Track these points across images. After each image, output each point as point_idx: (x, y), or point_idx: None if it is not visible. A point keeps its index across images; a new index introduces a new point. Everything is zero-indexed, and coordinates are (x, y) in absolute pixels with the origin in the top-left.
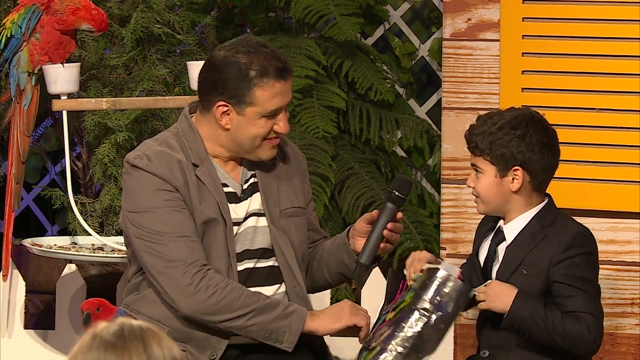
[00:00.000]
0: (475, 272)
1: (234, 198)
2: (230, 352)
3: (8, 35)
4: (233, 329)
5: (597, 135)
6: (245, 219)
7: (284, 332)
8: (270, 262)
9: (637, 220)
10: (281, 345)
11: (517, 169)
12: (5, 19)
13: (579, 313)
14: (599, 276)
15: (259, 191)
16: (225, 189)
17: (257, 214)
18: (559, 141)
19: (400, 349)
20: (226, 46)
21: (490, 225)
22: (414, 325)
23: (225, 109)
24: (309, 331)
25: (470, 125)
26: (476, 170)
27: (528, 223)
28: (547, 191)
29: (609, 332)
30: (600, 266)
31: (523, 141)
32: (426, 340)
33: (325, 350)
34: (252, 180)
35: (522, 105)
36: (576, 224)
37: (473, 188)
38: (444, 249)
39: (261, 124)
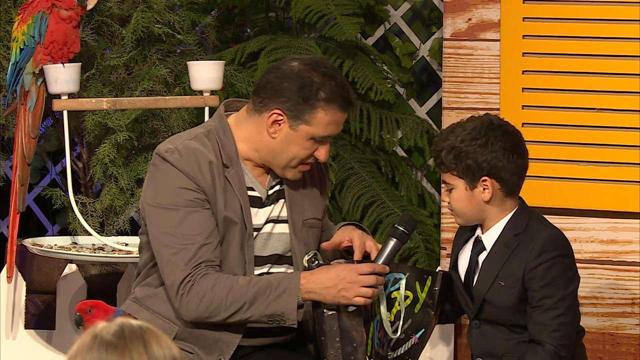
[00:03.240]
0: (455, 285)
1: (258, 203)
2: (239, 351)
3: (21, 47)
4: (240, 322)
5: (597, 135)
6: (265, 224)
7: (281, 313)
8: (282, 269)
9: (637, 220)
10: (285, 325)
11: (486, 179)
12: (15, 32)
13: (539, 340)
14: (599, 276)
15: (283, 198)
16: (251, 193)
17: (276, 221)
18: (560, 141)
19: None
20: (303, 60)
21: (466, 235)
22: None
23: (280, 118)
24: (308, 300)
25: (434, 141)
26: (447, 186)
27: (502, 232)
28: (547, 191)
29: (609, 332)
30: (600, 266)
31: (486, 150)
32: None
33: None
34: (277, 187)
35: (523, 106)
36: (547, 227)
37: (448, 203)
38: (444, 248)
39: (307, 146)
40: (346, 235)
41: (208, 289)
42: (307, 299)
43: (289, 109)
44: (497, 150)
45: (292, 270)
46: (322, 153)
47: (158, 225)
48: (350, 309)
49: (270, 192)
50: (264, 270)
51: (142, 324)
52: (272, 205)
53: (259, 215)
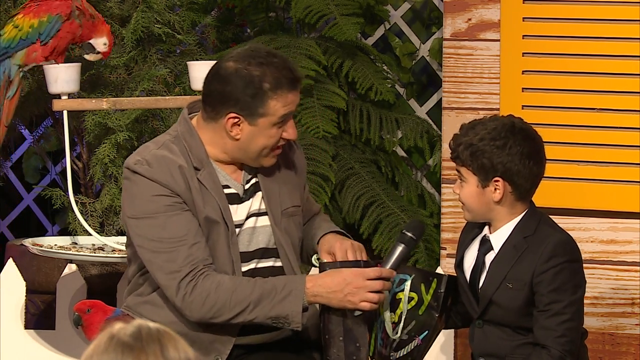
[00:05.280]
0: (460, 284)
1: (236, 199)
2: (235, 351)
3: (22, 37)
4: (243, 323)
5: (597, 135)
6: (246, 219)
7: (285, 315)
8: (270, 263)
9: (637, 220)
10: (290, 327)
11: (498, 180)
12: (20, 19)
13: (545, 344)
14: (599, 276)
15: (260, 191)
16: (227, 191)
17: (257, 214)
18: (560, 141)
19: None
20: (235, 57)
21: (473, 233)
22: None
23: (237, 120)
24: (314, 303)
25: (454, 134)
26: (460, 179)
27: (511, 233)
28: (547, 191)
29: (609, 332)
30: (600, 266)
31: (503, 152)
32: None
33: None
34: (253, 181)
35: (522, 106)
36: (557, 232)
37: (459, 194)
38: (444, 248)
39: (272, 133)
40: (328, 249)
41: (212, 289)
42: (312, 302)
43: (241, 109)
44: (514, 154)
45: (279, 264)
46: (290, 132)
47: (142, 235)
48: (357, 313)
49: (247, 186)
50: (251, 266)
51: (160, 326)
52: (251, 200)
53: (239, 212)
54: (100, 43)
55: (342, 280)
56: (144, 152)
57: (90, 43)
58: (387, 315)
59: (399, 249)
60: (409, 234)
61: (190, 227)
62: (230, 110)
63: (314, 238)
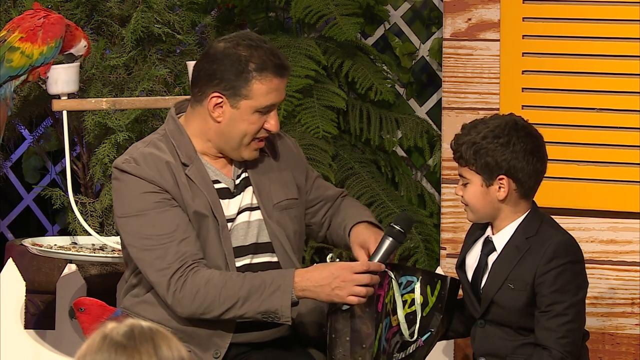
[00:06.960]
0: (462, 285)
1: (227, 194)
2: (234, 349)
3: (32, 64)
4: (234, 319)
5: (597, 135)
6: (238, 214)
7: (275, 310)
8: (266, 258)
9: (637, 220)
10: (279, 322)
11: (502, 178)
12: (29, 49)
13: (546, 345)
14: (598, 276)
15: (251, 185)
16: (218, 186)
17: (250, 209)
18: (560, 141)
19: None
20: (226, 39)
21: (476, 235)
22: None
23: (220, 100)
24: (303, 298)
25: (455, 135)
26: (463, 180)
27: (513, 234)
28: (547, 191)
29: (609, 332)
30: (600, 266)
31: (506, 149)
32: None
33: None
34: (243, 175)
35: (522, 106)
36: (559, 233)
37: (462, 196)
38: (444, 249)
39: (253, 120)
40: (362, 242)
41: (201, 285)
42: (301, 297)
43: (224, 88)
44: (518, 151)
45: (276, 259)
46: (271, 124)
47: (132, 234)
48: (344, 307)
49: (237, 181)
50: (246, 261)
51: (152, 325)
52: (242, 194)
53: (230, 206)
54: (81, 47)
55: (330, 274)
56: (132, 151)
57: (71, 52)
58: (401, 316)
59: (387, 242)
60: (397, 227)
61: (179, 222)
62: (215, 89)
63: (344, 229)
